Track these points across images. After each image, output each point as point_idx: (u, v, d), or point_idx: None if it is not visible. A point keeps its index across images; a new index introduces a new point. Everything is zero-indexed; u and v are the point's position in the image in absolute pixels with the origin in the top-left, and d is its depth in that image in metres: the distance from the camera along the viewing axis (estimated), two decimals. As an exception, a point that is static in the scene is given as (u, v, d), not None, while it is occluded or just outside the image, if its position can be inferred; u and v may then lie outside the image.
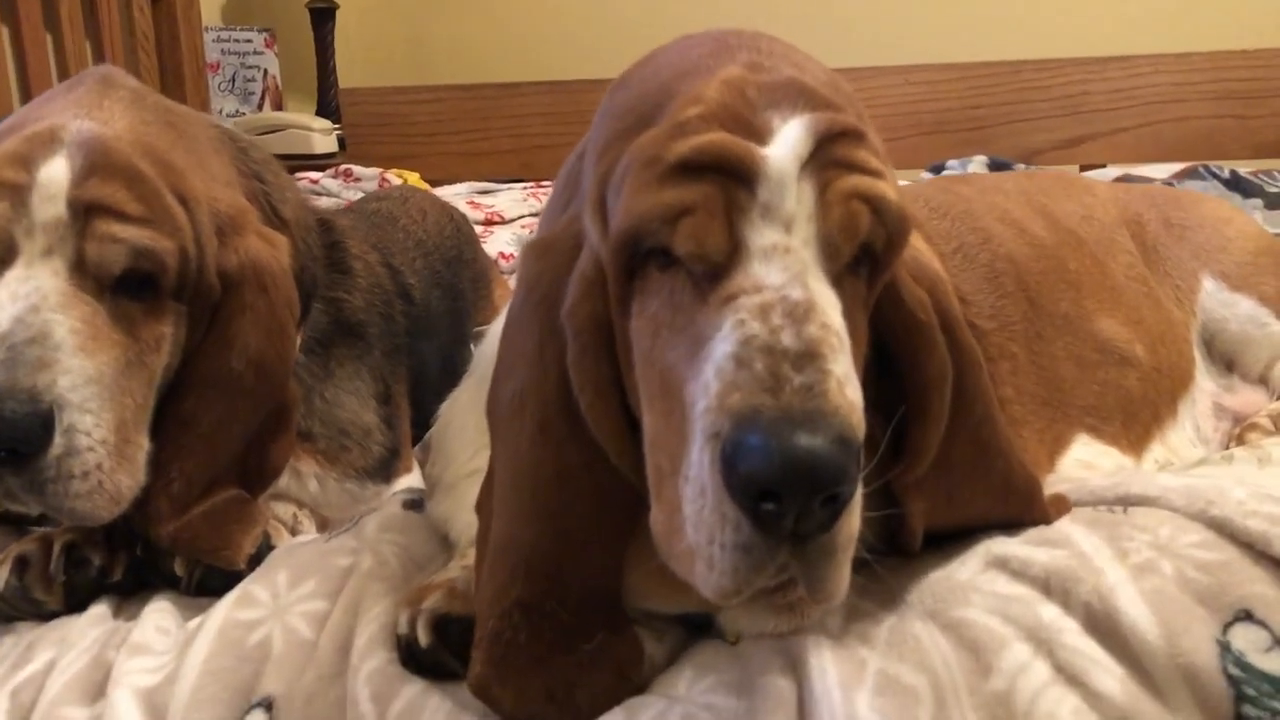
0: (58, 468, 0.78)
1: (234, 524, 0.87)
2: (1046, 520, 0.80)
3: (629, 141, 0.67)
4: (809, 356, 0.58)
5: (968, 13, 3.41)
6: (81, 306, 0.82)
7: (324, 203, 2.83)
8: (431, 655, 0.73)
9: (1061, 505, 0.82)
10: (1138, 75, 2.96)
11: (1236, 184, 2.49)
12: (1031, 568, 0.72)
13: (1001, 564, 0.74)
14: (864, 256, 0.67)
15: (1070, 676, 0.65)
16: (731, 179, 0.62)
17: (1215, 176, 2.53)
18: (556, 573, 0.70)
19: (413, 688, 0.72)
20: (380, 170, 2.90)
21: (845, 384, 0.58)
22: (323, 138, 3.66)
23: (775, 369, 0.57)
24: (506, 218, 2.52)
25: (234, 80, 3.90)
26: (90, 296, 0.83)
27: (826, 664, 0.68)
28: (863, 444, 0.58)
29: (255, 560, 0.86)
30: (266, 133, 3.66)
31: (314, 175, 2.98)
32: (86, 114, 0.88)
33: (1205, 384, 1.18)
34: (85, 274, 0.83)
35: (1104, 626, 0.67)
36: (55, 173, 0.82)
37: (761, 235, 0.62)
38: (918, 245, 0.80)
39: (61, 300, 0.81)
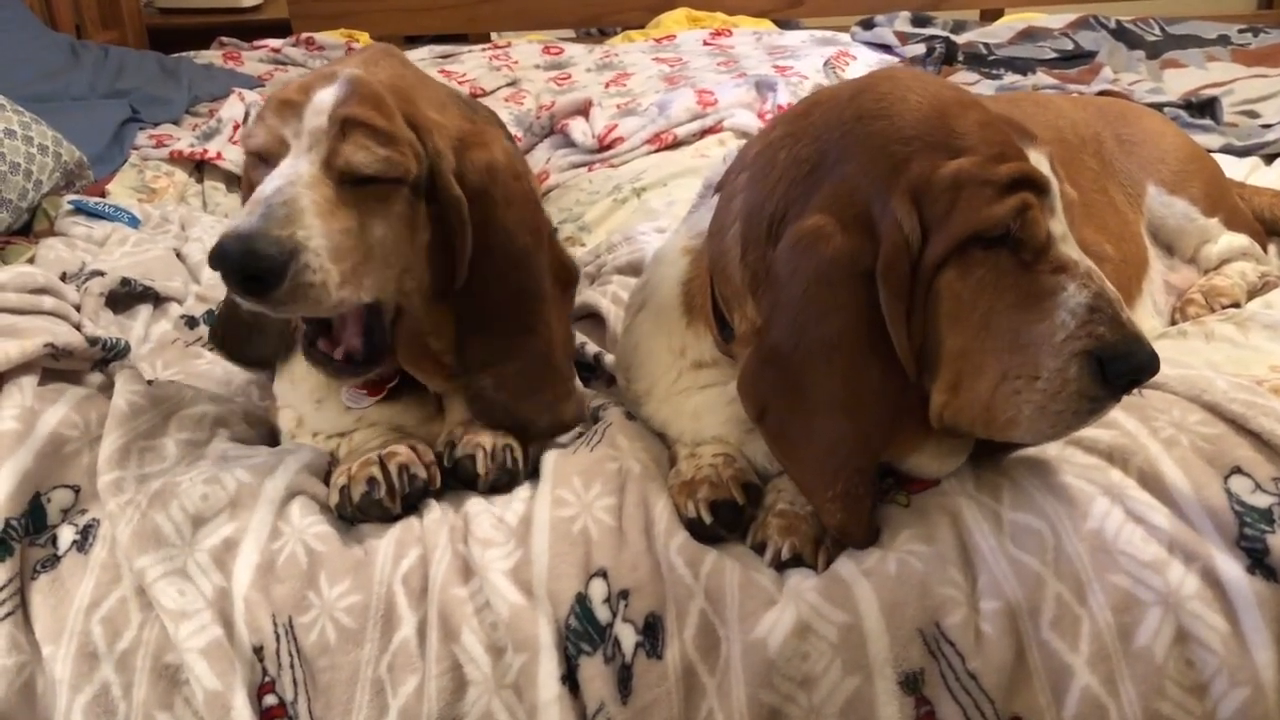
0: (291, 294, 1.04)
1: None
2: None
3: (928, 161, 0.98)
4: (1120, 302, 0.96)
5: None
6: (323, 188, 1.08)
7: (292, 73, 2.92)
8: (711, 529, 1.08)
9: None
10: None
11: (1122, 34, 2.82)
12: (1098, 444, 1.08)
13: (1076, 443, 1.09)
14: None
15: (1137, 517, 1.01)
16: (1036, 190, 0.98)
17: (1104, 27, 2.85)
18: (869, 452, 1.02)
19: (712, 554, 1.04)
20: (346, 40, 2.97)
21: None
22: (247, -11, 3.64)
23: (1117, 314, 0.95)
24: (486, 89, 2.70)
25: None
26: (332, 184, 1.09)
27: (978, 518, 1.04)
28: None
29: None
30: (190, -15, 3.63)
31: (275, 44, 2.99)
32: (360, 67, 1.15)
33: (1157, 265, 1.56)
34: (331, 169, 1.09)
35: (1152, 484, 1.03)
36: (325, 96, 1.10)
37: (1056, 225, 0.99)
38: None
39: (310, 181, 1.07)
